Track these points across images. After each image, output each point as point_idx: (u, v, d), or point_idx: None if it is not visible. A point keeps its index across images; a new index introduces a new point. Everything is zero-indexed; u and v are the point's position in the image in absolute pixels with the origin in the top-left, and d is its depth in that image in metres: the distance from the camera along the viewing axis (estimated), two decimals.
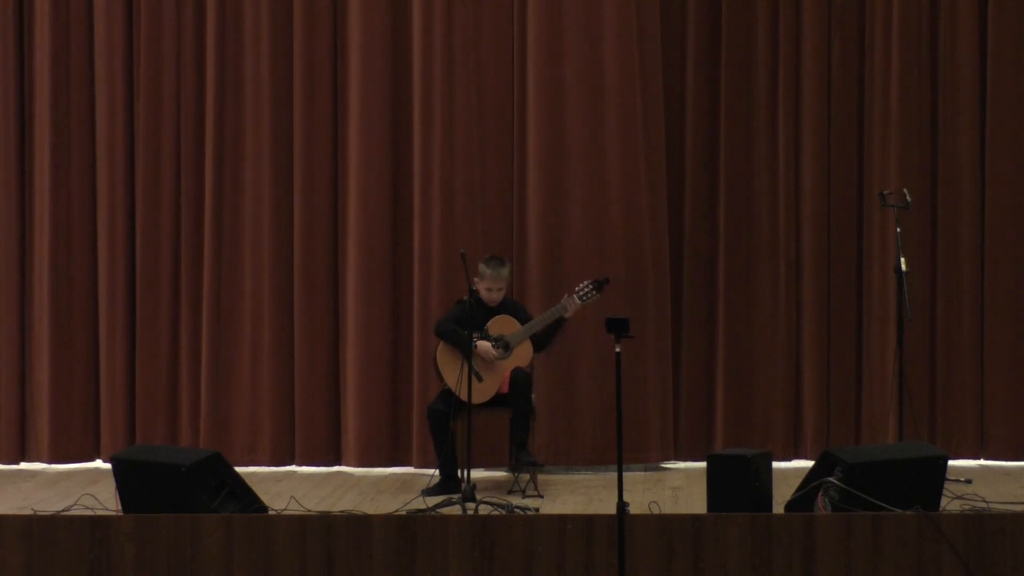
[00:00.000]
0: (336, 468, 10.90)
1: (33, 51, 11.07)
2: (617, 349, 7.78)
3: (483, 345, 9.73)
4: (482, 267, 9.95)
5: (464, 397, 9.44)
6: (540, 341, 9.97)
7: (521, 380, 9.78)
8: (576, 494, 9.75)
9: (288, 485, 10.14)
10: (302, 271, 10.92)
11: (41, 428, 11.04)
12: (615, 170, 10.69)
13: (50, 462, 11.01)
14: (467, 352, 9.52)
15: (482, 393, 9.77)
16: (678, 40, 10.89)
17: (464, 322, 9.61)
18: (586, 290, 9.95)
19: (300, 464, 10.92)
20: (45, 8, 11.00)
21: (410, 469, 10.74)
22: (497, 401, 9.86)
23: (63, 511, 8.55)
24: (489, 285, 9.92)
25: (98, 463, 11.02)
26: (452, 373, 9.65)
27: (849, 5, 10.77)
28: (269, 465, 10.89)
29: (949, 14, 10.69)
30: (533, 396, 9.96)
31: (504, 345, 9.82)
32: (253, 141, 10.97)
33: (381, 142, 10.89)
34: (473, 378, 9.57)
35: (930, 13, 10.72)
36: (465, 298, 9.64)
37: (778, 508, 8.38)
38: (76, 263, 11.08)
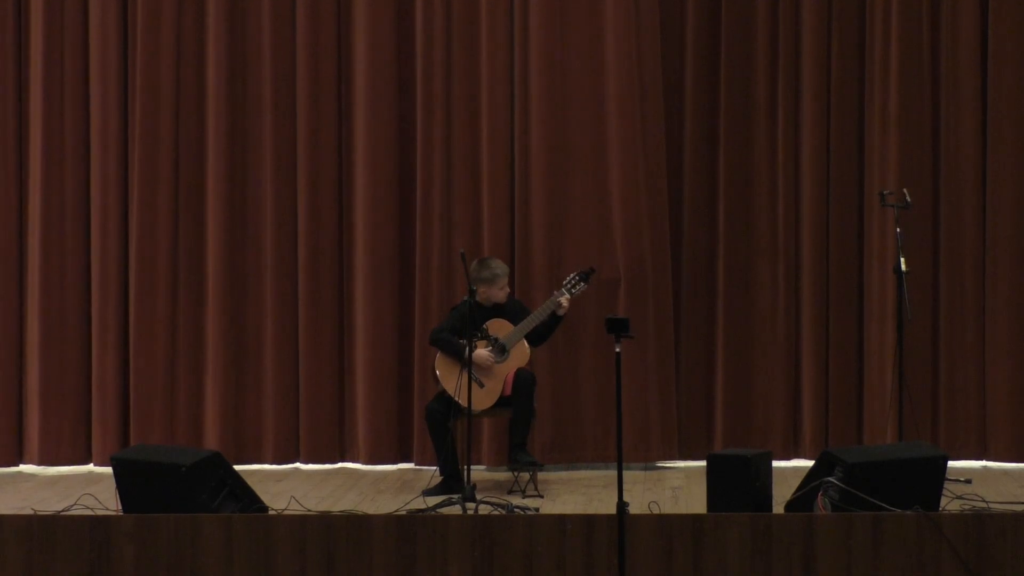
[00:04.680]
0: (340, 465, 10.90)
1: (29, 53, 11.06)
2: (617, 349, 7.79)
3: (480, 354, 9.72)
4: (495, 270, 9.89)
5: (464, 404, 9.44)
6: (537, 338, 9.97)
7: (524, 381, 9.78)
8: (576, 494, 9.75)
9: (289, 484, 10.14)
10: (306, 269, 10.92)
11: (32, 430, 11.03)
12: (615, 170, 10.70)
13: (40, 464, 11.00)
14: (465, 360, 9.51)
15: (485, 399, 9.77)
16: (678, 40, 10.89)
17: (462, 327, 9.61)
18: (573, 282, 9.94)
19: (305, 462, 10.92)
20: (40, 10, 10.99)
21: (417, 465, 10.74)
22: (499, 402, 9.85)
23: (63, 511, 8.55)
24: (502, 284, 9.93)
25: (91, 466, 11.00)
26: (452, 382, 9.65)
27: (849, 5, 10.77)
28: (273, 463, 10.90)
29: (950, 13, 10.68)
30: (535, 397, 9.96)
31: (500, 348, 9.81)
32: (256, 139, 10.97)
33: (386, 141, 10.90)
34: (474, 384, 9.57)
35: (930, 12, 10.71)
36: (465, 298, 9.64)
37: (778, 508, 8.38)
38: (69, 263, 11.06)
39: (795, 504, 8.28)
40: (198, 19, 11.00)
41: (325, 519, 8.10)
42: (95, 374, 11.02)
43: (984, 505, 8.59)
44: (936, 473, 8.20)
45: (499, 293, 9.94)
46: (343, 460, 10.97)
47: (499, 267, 9.98)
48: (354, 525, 7.98)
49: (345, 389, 10.98)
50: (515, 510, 8.61)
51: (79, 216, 11.07)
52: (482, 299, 9.91)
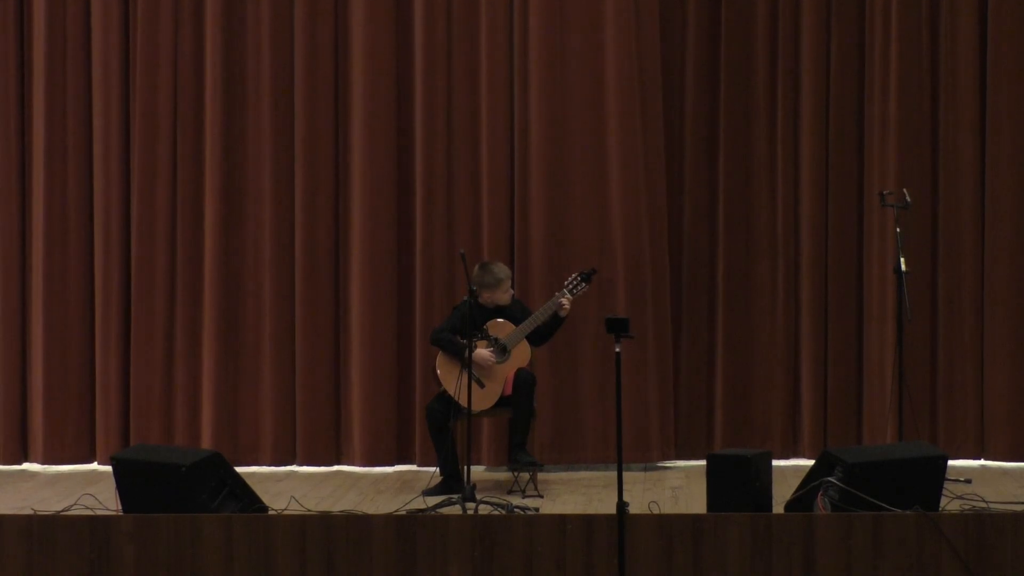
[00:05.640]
0: (337, 468, 10.89)
1: (32, 51, 11.07)
2: (617, 349, 7.79)
3: (480, 354, 9.72)
4: (498, 274, 9.89)
5: (464, 404, 9.44)
6: (539, 339, 9.96)
7: (524, 381, 9.77)
8: (576, 494, 9.75)
9: (288, 485, 10.14)
10: (304, 270, 10.92)
11: (36, 429, 11.04)
12: (615, 171, 10.70)
13: (45, 463, 11.01)
14: (465, 359, 9.51)
15: (486, 399, 9.77)
16: (678, 40, 10.89)
17: (463, 327, 9.61)
18: (575, 283, 9.93)
19: (301, 464, 10.91)
20: (41, 6, 10.99)
21: (415, 467, 10.75)
22: (500, 402, 9.85)
23: (63, 511, 8.55)
24: (505, 288, 9.92)
25: (95, 465, 11.01)
26: (452, 382, 9.65)
27: (849, 6, 10.77)
28: (270, 465, 10.89)
29: (949, 14, 10.69)
30: (535, 397, 9.96)
31: (501, 349, 9.81)
32: (254, 139, 10.97)
33: (384, 140, 10.89)
34: (475, 385, 9.57)
35: (930, 12, 10.72)
36: (465, 298, 9.63)
37: (778, 508, 8.38)
38: (71, 264, 11.07)
39: (795, 504, 8.28)
40: (196, 20, 10.98)
41: (325, 519, 8.10)
42: (98, 374, 11.04)
43: (984, 505, 8.59)
44: (936, 473, 8.19)
45: (503, 296, 9.94)
46: (339, 463, 10.94)
47: (501, 271, 9.97)
48: (354, 525, 7.98)
49: (341, 391, 10.96)
50: (515, 510, 8.61)
51: (81, 217, 11.08)
52: (485, 302, 9.91)
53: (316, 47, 10.91)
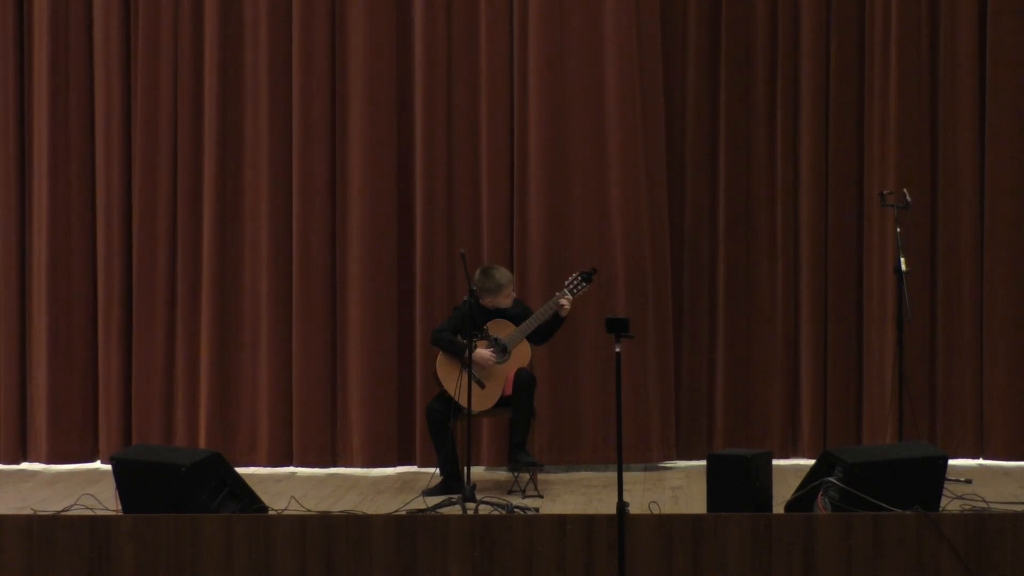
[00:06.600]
0: (336, 469, 10.88)
1: (32, 52, 11.07)
2: (617, 349, 7.79)
3: (480, 354, 9.72)
4: (499, 280, 9.87)
5: (464, 404, 9.44)
6: (539, 338, 9.96)
7: (524, 382, 9.77)
8: (576, 494, 9.75)
9: (288, 486, 10.14)
10: (302, 270, 10.91)
11: (39, 428, 11.05)
12: (615, 171, 10.70)
13: (48, 462, 11.01)
14: (465, 359, 9.51)
15: (486, 399, 9.76)
16: (679, 41, 10.89)
17: (463, 327, 9.61)
18: (575, 283, 9.93)
19: (298, 465, 10.90)
20: (44, 6, 11.00)
21: (415, 468, 10.74)
22: (500, 402, 9.85)
23: (63, 511, 8.55)
24: (507, 293, 9.91)
25: (97, 464, 11.01)
26: (452, 382, 9.65)
27: (849, 6, 10.77)
28: (268, 466, 10.88)
29: (948, 14, 10.69)
30: (535, 397, 9.96)
31: (502, 349, 9.81)
32: (252, 140, 10.96)
33: (383, 140, 10.88)
34: (475, 385, 9.57)
35: (929, 13, 10.72)
36: (466, 298, 9.63)
37: (778, 508, 8.38)
38: (75, 263, 11.08)
39: (795, 504, 8.28)
40: (196, 21, 10.98)
41: (325, 519, 8.10)
42: (100, 374, 11.04)
43: (984, 505, 8.59)
44: (936, 473, 8.20)
45: (505, 300, 9.94)
46: (335, 465, 10.91)
47: (503, 276, 9.96)
48: (354, 525, 7.98)
49: (339, 392, 10.93)
50: (515, 510, 8.61)
51: (83, 218, 11.08)
52: (487, 305, 9.91)
53: (314, 47, 10.90)
